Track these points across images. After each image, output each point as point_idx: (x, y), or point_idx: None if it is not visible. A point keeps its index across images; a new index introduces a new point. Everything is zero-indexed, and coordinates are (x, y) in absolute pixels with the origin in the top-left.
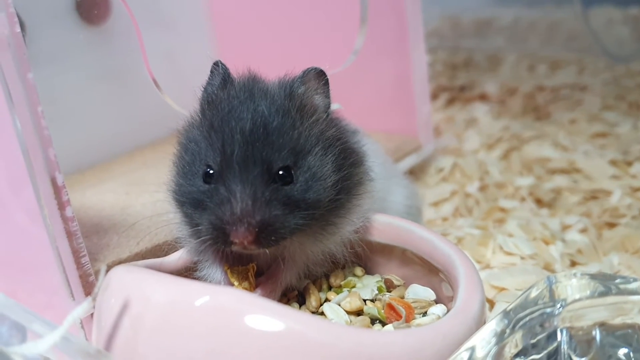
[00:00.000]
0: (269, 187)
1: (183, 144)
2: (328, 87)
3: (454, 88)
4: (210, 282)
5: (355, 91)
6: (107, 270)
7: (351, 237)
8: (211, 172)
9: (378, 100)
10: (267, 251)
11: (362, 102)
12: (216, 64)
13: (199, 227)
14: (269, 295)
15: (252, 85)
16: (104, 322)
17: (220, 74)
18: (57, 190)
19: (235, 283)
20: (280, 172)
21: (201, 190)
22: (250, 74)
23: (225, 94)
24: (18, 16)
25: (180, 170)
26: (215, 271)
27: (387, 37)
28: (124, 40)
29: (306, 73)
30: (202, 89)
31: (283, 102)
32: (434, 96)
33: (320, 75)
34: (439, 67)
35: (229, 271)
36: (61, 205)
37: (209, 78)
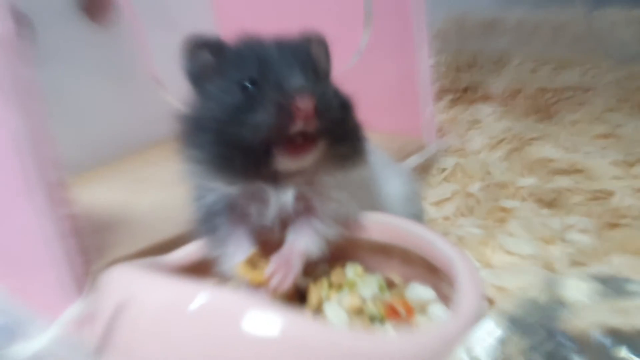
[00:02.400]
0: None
1: (192, 119)
2: (329, 53)
3: (458, 89)
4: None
5: (359, 91)
6: (104, 270)
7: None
8: (255, 78)
9: (382, 101)
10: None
11: (365, 102)
12: (186, 43)
13: (246, 138)
14: (286, 264)
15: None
16: (98, 322)
17: (200, 48)
18: (57, 188)
19: (247, 274)
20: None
21: (245, 96)
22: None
23: (222, 56)
24: (24, 14)
25: (205, 116)
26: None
27: (391, 37)
28: (132, 38)
29: (307, 34)
30: (187, 72)
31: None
32: (438, 97)
33: (321, 41)
34: (444, 68)
35: (239, 265)
36: (62, 203)
37: (187, 60)
